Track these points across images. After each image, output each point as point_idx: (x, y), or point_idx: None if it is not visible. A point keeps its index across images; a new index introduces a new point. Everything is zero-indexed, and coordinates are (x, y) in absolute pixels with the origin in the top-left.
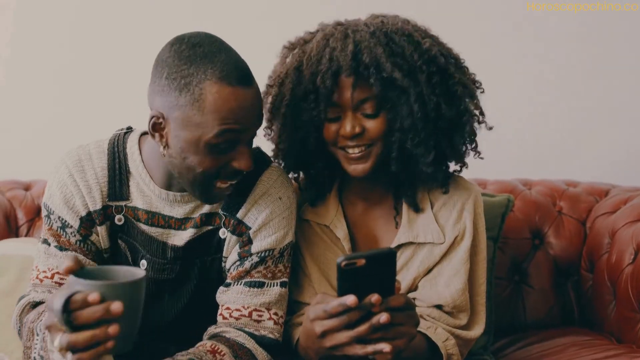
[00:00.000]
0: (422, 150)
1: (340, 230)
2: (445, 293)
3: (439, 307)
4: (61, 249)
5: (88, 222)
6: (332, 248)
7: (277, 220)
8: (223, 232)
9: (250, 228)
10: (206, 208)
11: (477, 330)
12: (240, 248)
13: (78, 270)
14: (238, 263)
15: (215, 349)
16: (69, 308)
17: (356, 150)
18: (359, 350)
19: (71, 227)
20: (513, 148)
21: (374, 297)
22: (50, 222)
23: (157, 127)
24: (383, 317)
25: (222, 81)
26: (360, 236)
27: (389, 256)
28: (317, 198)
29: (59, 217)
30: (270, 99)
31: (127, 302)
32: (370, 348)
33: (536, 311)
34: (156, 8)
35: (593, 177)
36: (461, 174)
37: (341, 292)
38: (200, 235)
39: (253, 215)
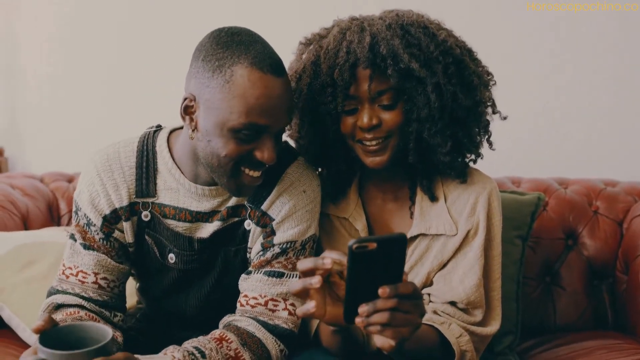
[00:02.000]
0: (439, 140)
1: (359, 222)
2: (459, 289)
3: (453, 303)
4: (85, 246)
5: (112, 219)
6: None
7: (300, 213)
8: (248, 224)
9: (274, 220)
10: (232, 201)
11: (494, 327)
12: (263, 239)
13: (49, 329)
14: (260, 253)
15: (223, 336)
16: None
17: (373, 142)
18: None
19: (94, 225)
20: (550, 147)
21: (381, 290)
22: (77, 219)
23: (188, 110)
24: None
25: (253, 66)
26: (378, 229)
27: (400, 241)
28: (337, 193)
29: (85, 215)
30: None
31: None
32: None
33: (567, 314)
34: (201, 12)
35: (634, 176)
36: (488, 170)
37: (350, 276)
38: (226, 227)
39: (277, 207)
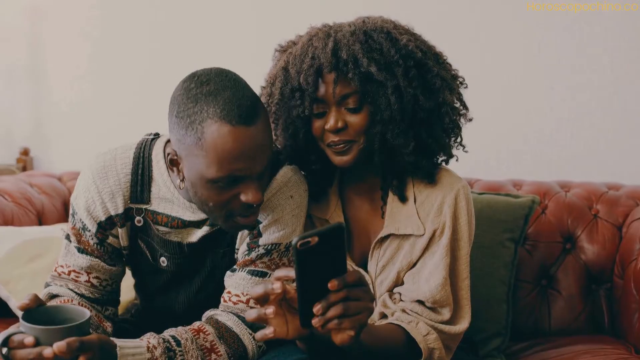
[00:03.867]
0: (402, 141)
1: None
2: (425, 288)
3: (420, 302)
4: (79, 250)
5: (107, 225)
6: None
7: (287, 218)
8: None
9: (260, 222)
10: None
11: (463, 325)
12: (250, 240)
13: (33, 308)
14: (246, 252)
15: (201, 328)
16: (8, 345)
17: (340, 145)
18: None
19: (89, 230)
20: (554, 150)
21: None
22: (74, 221)
23: (174, 162)
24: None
25: (222, 120)
26: (355, 230)
27: (338, 230)
28: (318, 193)
29: (80, 219)
30: (263, 99)
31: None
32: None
33: (562, 317)
34: (224, 20)
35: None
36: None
37: (299, 277)
38: (214, 231)
39: (265, 211)
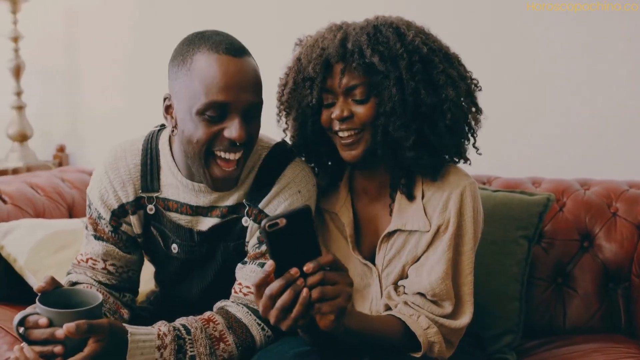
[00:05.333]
0: (402, 134)
1: (346, 217)
2: (425, 281)
3: (422, 294)
4: (96, 237)
5: (120, 213)
6: (338, 236)
7: None
8: (245, 221)
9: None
10: (232, 200)
11: (464, 320)
12: (260, 233)
13: (49, 291)
14: (256, 245)
15: (211, 318)
16: (25, 325)
17: (346, 134)
18: (286, 321)
19: (104, 218)
20: (577, 147)
21: (293, 270)
22: (90, 212)
23: (168, 110)
24: (300, 280)
25: (210, 50)
26: (364, 225)
27: (305, 212)
28: (328, 186)
29: (96, 209)
30: (279, 88)
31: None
32: (296, 310)
33: (577, 316)
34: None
35: None
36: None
37: (273, 256)
38: (224, 223)
39: (273, 206)
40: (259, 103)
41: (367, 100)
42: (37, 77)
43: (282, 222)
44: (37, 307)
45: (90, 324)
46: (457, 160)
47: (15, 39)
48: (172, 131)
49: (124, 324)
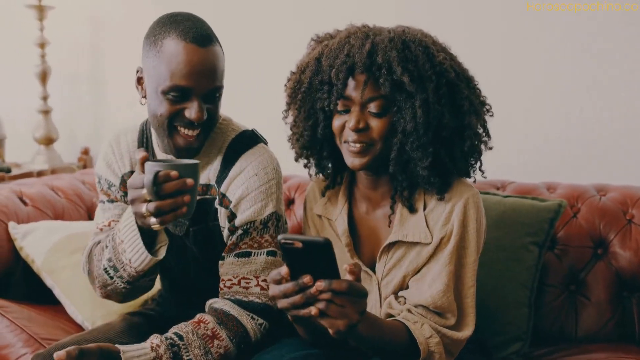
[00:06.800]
0: (420, 155)
1: (341, 227)
2: (427, 293)
3: (424, 306)
4: (111, 202)
5: (124, 181)
6: (337, 241)
7: (253, 194)
8: (216, 203)
9: (231, 202)
10: (204, 178)
11: (466, 332)
12: (228, 223)
13: (148, 158)
14: (230, 237)
15: (201, 319)
16: (157, 182)
17: (357, 145)
18: (294, 312)
19: (114, 185)
20: (595, 152)
21: (306, 278)
22: (101, 185)
23: (140, 81)
24: (313, 289)
25: (178, 37)
26: (361, 233)
27: (325, 246)
28: (327, 186)
29: (106, 179)
30: (290, 84)
31: (195, 178)
32: (303, 311)
33: (589, 324)
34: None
35: None
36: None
37: (288, 266)
38: (200, 202)
39: (232, 190)
40: (219, 87)
41: (385, 114)
42: (62, 82)
43: (298, 244)
44: (160, 165)
45: (80, 349)
46: (463, 177)
47: (42, 45)
48: (141, 100)
49: (116, 345)
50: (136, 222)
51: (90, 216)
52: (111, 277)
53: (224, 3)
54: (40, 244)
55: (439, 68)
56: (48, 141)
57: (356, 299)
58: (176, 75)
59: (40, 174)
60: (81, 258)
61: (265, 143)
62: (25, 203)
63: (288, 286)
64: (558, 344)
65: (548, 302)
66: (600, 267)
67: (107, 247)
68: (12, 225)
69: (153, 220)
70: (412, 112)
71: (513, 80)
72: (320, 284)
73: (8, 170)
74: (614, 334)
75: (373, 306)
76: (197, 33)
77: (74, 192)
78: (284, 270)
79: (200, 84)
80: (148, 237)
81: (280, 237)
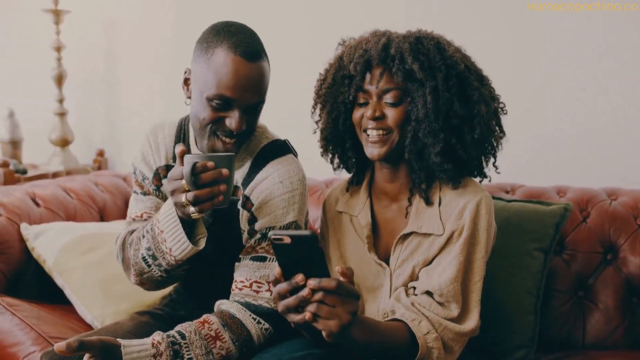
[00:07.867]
0: (432, 140)
1: (364, 219)
2: (435, 282)
3: (429, 294)
4: (144, 194)
5: (158, 175)
6: (355, 237)
7: (276, 200)
8: (239, 204)
9: (253, 205)
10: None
11: (469, 326)
12: (249, 226)
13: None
14: (248, 240)
15: (206, 319)
16: (195, 172)
17: (375, 133)
18: (291, 317)
19: (148, 178)
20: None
21: (299, 277)
22: (135, 177)
23: (186, 81)
24: (305, 291)
25: (229, 49)
26: (381, 226)
27: (311, 239)
28: (351, 182)
29: (140, 171)
30: (317, 83)
31: (230, 168)
32: (298, 317)
33: (597, 330)
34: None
35: None
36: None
37: (280, 264)
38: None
39: (256, 193)
40: (260, 102)
41: (400, 104)
42: (78, 85)
43: (287, 239)
44: (198, 157)
45: (80, 341)
46: (476, 175)
47: (58, 49)
48: (186, 101)
49: (117, 339)
50: (176, 212)
51: (102, 217)
52: (149, 266)
53: (238, 8)
54: (52, 245)
55: (450, 61)
56: (64, 143)
57: (346, 299)
58: (222, 85)
59: (55, 175)
60: (113, 247)
61: (295, 155)
62: (37, 204)
63: (282, 286)
64: (565, 350)
65: (556, 308)
66: (609, 272)
67: (143, 237)
68: (24, 226)
69: (192, 209)
70: (423, 100)
71: (513, 80)
72: (311, 282)
73: (24, 172)
74: (623, 341)
75: (384, 298)
76: (247, 47)
77: (86, 194)
78: (277, 270)
79: (243, 97)
80: (187, 228)
81: (270, 233)
